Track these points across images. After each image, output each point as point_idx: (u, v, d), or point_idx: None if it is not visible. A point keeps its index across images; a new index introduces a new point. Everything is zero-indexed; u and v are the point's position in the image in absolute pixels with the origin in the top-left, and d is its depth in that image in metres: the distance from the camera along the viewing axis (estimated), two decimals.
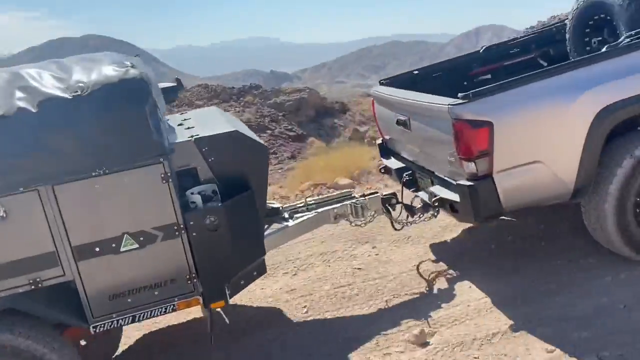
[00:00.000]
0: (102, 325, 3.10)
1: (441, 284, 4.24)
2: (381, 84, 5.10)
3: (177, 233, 3.11)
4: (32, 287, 2.94)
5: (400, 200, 4.55)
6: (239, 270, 3.45)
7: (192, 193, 3.26)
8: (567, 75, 3.60)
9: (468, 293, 4.01)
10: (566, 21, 5.08)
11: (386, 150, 5.10)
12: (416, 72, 5.31)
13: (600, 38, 4.62)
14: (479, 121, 3.53)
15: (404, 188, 4.62)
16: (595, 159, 3.61)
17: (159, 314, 3.20)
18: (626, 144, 3.64)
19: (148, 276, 3.12)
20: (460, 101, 3.58)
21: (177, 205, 3.10)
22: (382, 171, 5.10)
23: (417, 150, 4.42)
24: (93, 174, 2.94)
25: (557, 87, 3.58)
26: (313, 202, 4.42)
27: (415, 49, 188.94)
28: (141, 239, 3.05)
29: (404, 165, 4.75)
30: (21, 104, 2.89)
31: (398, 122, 4.40)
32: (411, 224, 4.60)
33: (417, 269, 4.53)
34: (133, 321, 3.16)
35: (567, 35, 4.93)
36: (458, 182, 3.72)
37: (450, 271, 4.36)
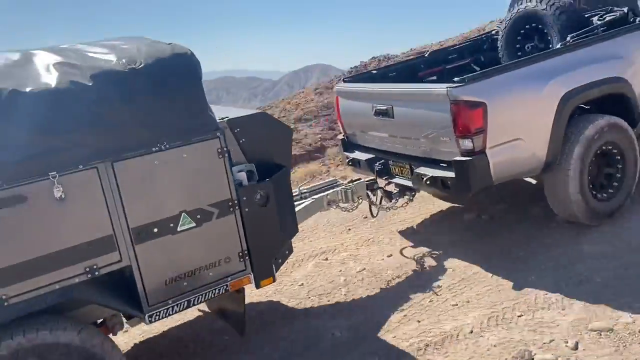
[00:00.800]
0: (158, 314, 2.92)
1: (430, 262, 4.58)
2: (345, 81, 5.39)
3: (231, 209, 3.07)
4: (89, 275, 2.70)
5: (379, 185, 4.85)
6: (282, 247, 3.45)
7: (238, 171, 3.22)
8: (540, 64, 4.22)
9: (458, 266, 4.40)
10: (494, 32, 5.89)
11: (349, 145, 5.37)
12: (375, 71, 5.71)
13: (533, 44, 5.41)
14: (475, 102, 3.98)
15: (377, 176, 4.92)
16: (561, 137, 4.25)
17: (212, 296, 3.09)
18: (581, 124, 4.34)
19: (204, 256, 3.02)
20: (458, 84, 4.00)
21: (232, 181, 3.05)
22: (350, 164, 5.34)
23: (397, 138, 4.74)
24: (153, 149, 2.81)
25: (533, 72, 4.18)
26: (306, 190, 4.54)
27: (249, 85, 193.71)
28: (198, 216, 2.96)
29: (373, 156, 5.05)
30: (74, 77, 2.69)
31: (377, 112, 4.71)
32: (389, 209, 4.91)
33: (401, 252, 4.83)
34: (187, 306, 3.02)
35: (500, 43, 5.69)
36: (455, 159, 4.11)
37: (435, 252, 4.73)
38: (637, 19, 4.74)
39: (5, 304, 2.49)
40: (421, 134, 4.41)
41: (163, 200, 2.86)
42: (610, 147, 4.44)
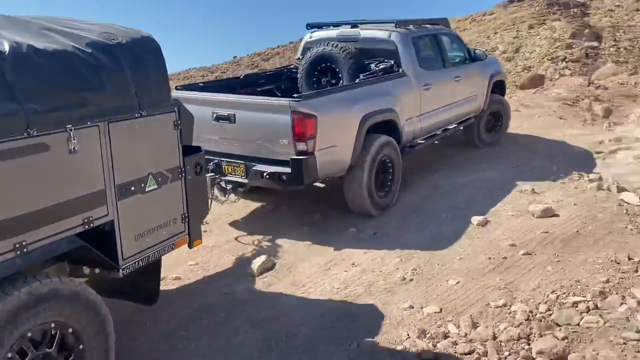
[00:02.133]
0: (128, 268, 3.21)
1: (267, 243, 5.55)
2: (177, 89, 6.02)
3: (180, 175, 3.55)
4: (85, 227, 2.91)
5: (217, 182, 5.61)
6: (206, 213, 3.98)
7: None
8: (349, 92, 5.68)
9: (291, 244, 5.47)
10: (292, 67, 7.29)
11: None
12: (202, 84, 6.45)
13: (327, 79, 6.89)
14: (310, 114, 5.17)
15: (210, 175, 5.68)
16: (360, 148, 5.72)
17: (163, 253, 3.49)
18: (371, 140, 5.90)
19: (160, 216, 3.43)
20: (297, 99, 5.15)
21: (180, 151, 3.56)
22: None
23: (235, 141, 5.58)
24: (136, 115, 3.20)
25: (345, 97, 5.60)
26: None
27: None
28: (159, 179, 3.38)
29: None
30: (74, 43, 2.94)
31: (218, 118, 5.51)
32: (224, 202, 5.71)
33: (236, 239, 5.64)
34: (147, 261, 3.36)
35: (300, 75, 7.03)
36: (291, 157, 5.19)
37: (267, 237, 5.69)
38: (400, 69, 6.64)
39: (25, 250, 2.59)
40: (261, 137, 5.37)
41: (138, 162, 3.22)
42: (386, 159, 6.12)
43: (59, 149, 2.75)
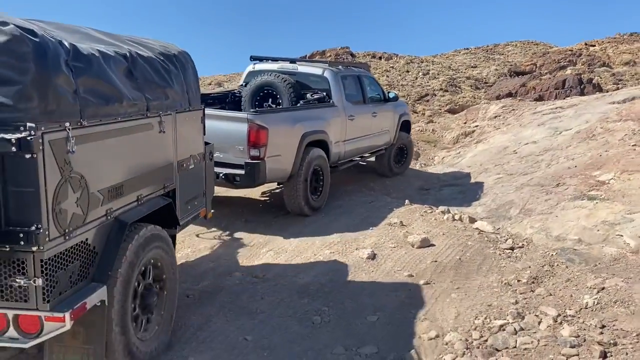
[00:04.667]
0: (182, 226, 4.26)
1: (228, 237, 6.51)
2: None
3: (203, 159, 4.61)
4: (164, 190, 3.90)
5: None
6: (213, 192, 5.07)
7: None
8: (293, 113, 6.91)
9: (252, 235, 6.48)
10: (236, 91, 8.50)
11: None
12: None
13: (268, 103, 8.03)
14: (263, 126, 6.30)
15: None
16: (300, 159, 6.89)
17: (195, 219, 4.58)
18: (309, 152, 7.07)
19: (194, 189, 4.49)
20: (254, 113, 6.29)
21: (203, 139, 4.66)
22: None
23: None
24: (186, 109, 4.25)
25: (289, 117, 6.79)
26: None
27: None
28: (195, 160, 4.42)
29: None
30: (150, 53, 3.85)
31: None
32: None
33: (198, 236, 6.55)
34: (188, 224, 4.43)
35: (244, 98, 8.15)
36: (246, 161, 6.25)
37: (227, 232, 6.66)
38: (331, 100, 7.94)
39: (142, 201, 3.57)
40: (220, 143, 6.36)
41: (186, 145, 4.23)
42: (317, 168, 7.29)
43: (155, 129, 3.73)
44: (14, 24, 2.63)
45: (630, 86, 21.15)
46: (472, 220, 6.85)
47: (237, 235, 6.55)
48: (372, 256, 5.68)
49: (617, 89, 20.94)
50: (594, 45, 33.11)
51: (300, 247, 6.12)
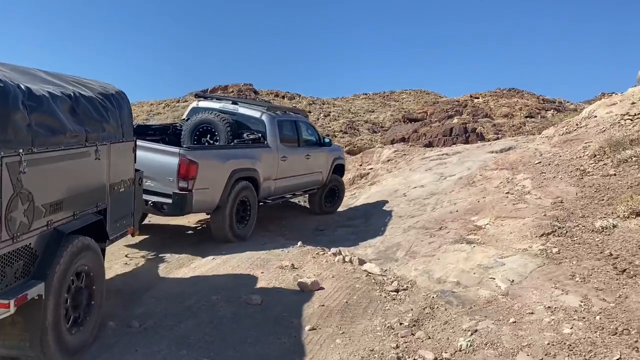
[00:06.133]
0: (111, 241, 4.86)
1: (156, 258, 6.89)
2: None
3: (133, 184, 5.22)
4: (97, 208, 4.54)
5: None
6: (141, 213, 5.71)
7: None
8: (225, 151, 7.58)
9: (190, 258, 6.88)
10: (178, 125, 9.03)
11: None
12: None
13: (206, 139, 8.56)
14: (193, 161, 6.89)
15: None
16: (227, 193, 7.50)
17: (123, 235, 5.19)
18: (236, 186, 7.63)
19: (123, 209, 5.08)
20: (186, 149, 6.91)
21: (134, 167, 5.28)
22: None
23: None
24: (120, 140, 4.90)
25: (221, 154, 7.43)
26: None
27: None
28: (126, 184, 5.04)
29: None
30: (91, 93, 4.57)
31: None
32: None
33: (126, 256, 6.89)
34: (117, 239, 5.02)
35: (184, 132, 8.65)
36: (174, 191, 6.75)
37: (152, 253, 7.05)
38: (265, 142, 8.61)
39: (77, 216, 4.21)
40: (152, 174, 6.79)
41: (118, 171, 4.84)
42: (245, 199, 7.90)
43: (92, 156, 4.38)
44: None
45: (508, 137, 23.58)
46: (362, 262, 6.96)
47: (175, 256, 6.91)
48: (260, 302, 5.53)
49: (497, 138, 23.39)
50: (478, 98, 36.76)
51: (184, 292, 5.75)
